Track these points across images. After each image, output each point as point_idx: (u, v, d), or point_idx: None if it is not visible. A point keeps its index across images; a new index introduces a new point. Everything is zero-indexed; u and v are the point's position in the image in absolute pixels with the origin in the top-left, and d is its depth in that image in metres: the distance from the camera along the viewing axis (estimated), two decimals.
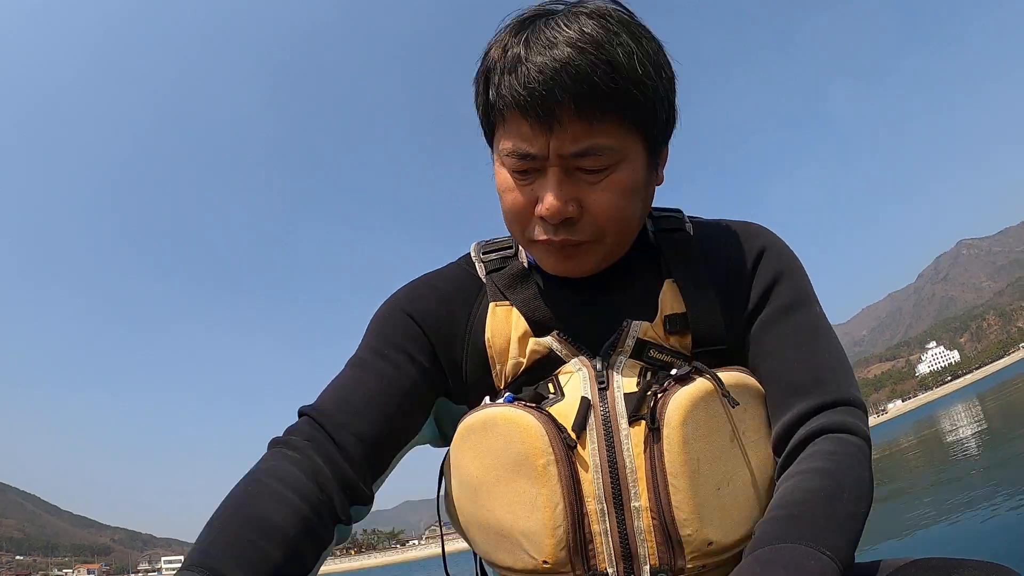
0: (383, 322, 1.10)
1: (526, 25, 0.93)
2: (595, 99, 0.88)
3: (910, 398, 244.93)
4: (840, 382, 0.97)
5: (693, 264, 1.05)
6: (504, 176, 1.00)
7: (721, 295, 1.04)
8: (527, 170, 0.96)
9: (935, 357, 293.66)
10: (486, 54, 0.98)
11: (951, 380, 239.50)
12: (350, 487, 0.95)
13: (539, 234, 0.98)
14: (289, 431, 0.99)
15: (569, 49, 0.87)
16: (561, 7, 0.95)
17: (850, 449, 0.89)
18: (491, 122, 1.01)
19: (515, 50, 0.91)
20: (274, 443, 0.97)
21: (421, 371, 1.05)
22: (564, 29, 0.89)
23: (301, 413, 1.01)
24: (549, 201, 0.93)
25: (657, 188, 1.06)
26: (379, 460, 1.00)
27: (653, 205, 1.10)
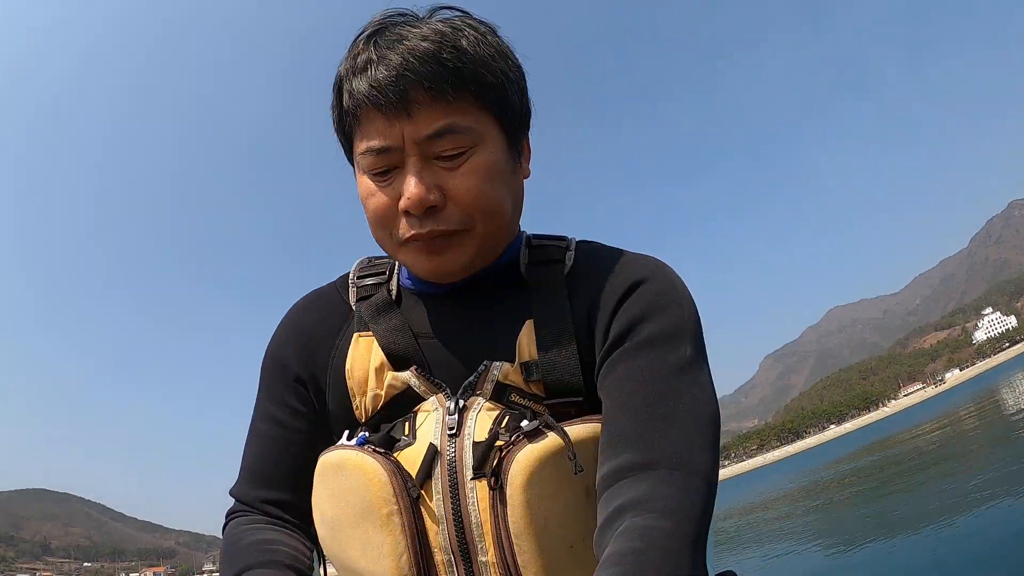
0: (265, 381, 1.12)
1: (373, 35, 0.94)
2: (446, 78, 0.89)
3: (968, 367, 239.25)
4: (672, 436, 0.86)
5: (556, 302, 1.00)
6: (364, 182, 0.98)
7: (583, 337, 0.99)
8: (386, 168, 0.95)
9: (992, 323, 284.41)
10: (336, 77, 0.98)
11: (1009, 346, 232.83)
12: (304, 533, 1.04)
13: (405, 231, 0.95)
14: (227, 513, 1.08)
15: (416, 40, 0.90)
16: (407, 17, 0.96)
17: (649, 546, 0.76)
18: (348, 132, 0.99)
19: (364, 55, 0.93)
20: (225, 523, 1.07)
21: (308, 420, 1.07)
22: (411, 29, 0.92)
23: (232, 494, 1.09)
24: (410, 190, 0.91)
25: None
26: (303, 513, 1.03)
27: (539, 235, 1.11)
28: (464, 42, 0.92)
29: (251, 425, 1.11)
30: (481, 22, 0.98)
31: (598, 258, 1.06)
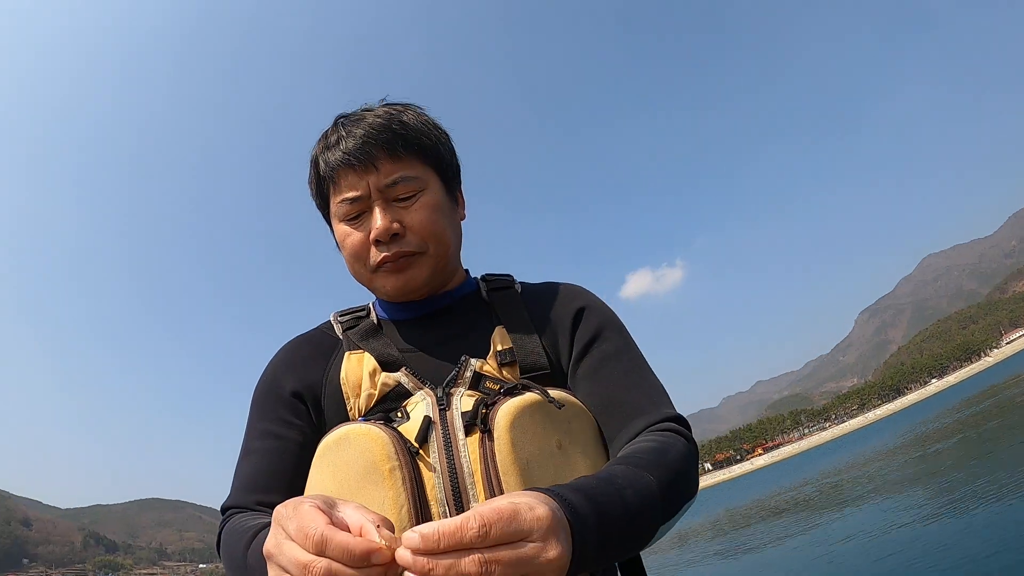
0: (259, 401, 1.27)
1: (336, 124, 1.29)
2: (396, 142, 1.22)
3: None
4: (668, 404, 1.18)
5: (519, 313, 1.28)
6: (341, 228, 1.26)
7: (544, 337, 1.26)
8: (357, 214, 1.24)
9: None
10: (311, 157, 1.31)
11: None
12: None
13: (376, 257, 1.23)
14: (220, 525, 1.13)
15: (373, 118, 1.24)
16: (362, 108, 1.31)
17: (676, 437, 1.09)
18: (325, 194, 1.30)
19: (334, 135, 1.26)
20: (219, 533, 1.12)
21: (302, 432, 1.20)
22: (366, 112, 1.27)
23: (223, 509, 1.15)
24: (378, 223, 1.20)
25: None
26: None
27: (490, 272, 1.42)
28: (406, 118, 1.25)
29: (242, 448, 1.23)
30: (415, 106, 1.33)
31: (538, 287, 1.38)
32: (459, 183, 1.39)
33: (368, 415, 1.16)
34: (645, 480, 0.92)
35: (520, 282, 1.39)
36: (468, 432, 1.05)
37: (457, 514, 0.97)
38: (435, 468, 1.03)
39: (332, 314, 1.38)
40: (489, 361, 1.19)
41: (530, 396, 1.08)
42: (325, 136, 1.29)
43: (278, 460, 1.17)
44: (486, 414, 1.06)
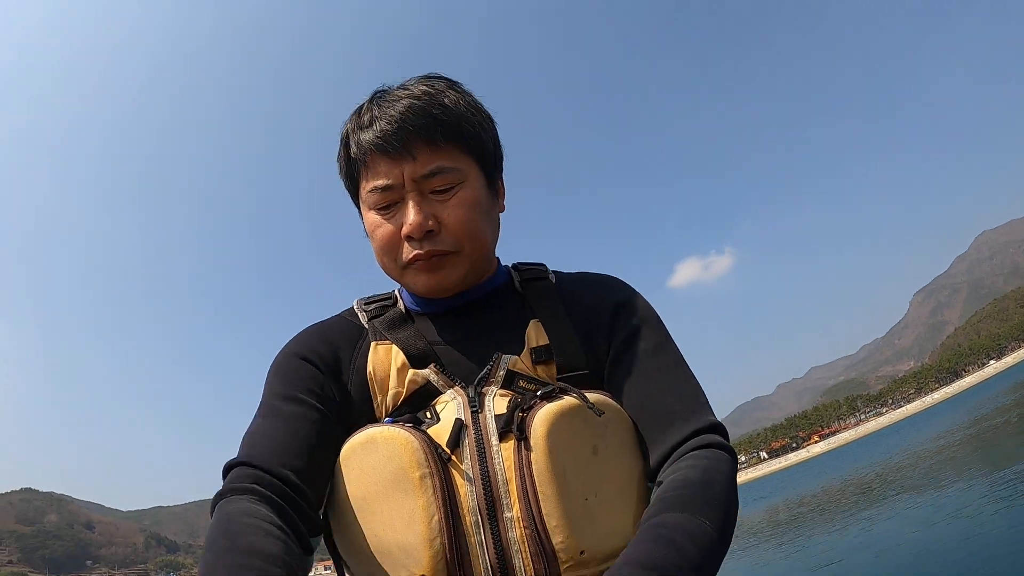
0: (281, 370, 1.17)
1: (372, 100, 1.18)
2: (436, 129, 1.11)
3: None
4: (707, 410, 1.11)
5: (555, 307, 1.20)
6: (371, 217, 1.17)
7: (580, 333, 1.18)
8: (388, 204, 1.14)
9: None
10: (342, 133, 1.21)
11: None
12: (305, 518, 1.00)
13: (408, 254, 1.14)
14: (228, 484, 0.99)
15: (411, 100, 1.13)
16: (397, 84, 1.20)
17: (719, 456, 1.02)
18: (355, 178, 1.20)
19: (368, 114, 1.16)
20: (219, 496, 0.98)
21: (327, 407, 1.12)
22: (404, 91, 1.16)
23: (230, 467, 1.02)
24: (411, 219, 1.11)
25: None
26: (321, 490, 1.06)
27: (522, 262, 1.34)
28: (447, 100, 1.14)
29: (261, 408, 1.13)
30: (457, 83, 1.21)
31: (573, 278, 1.30)
32: (501, 172, 1.29)
33: (395, 414, 1.11)
34: (703, 529, 0.89)
35: (553, 271, 1.32)
36: (503, 438, 1.02)
37: (490, 525, 0.97)
38: (468, 475, 1.00)
39: (356, 301, 1.30)
40: (523, 359, 1.13)
41: (569, 401, 1.04)
42: (358, 113, 1.19)
43: (301, 426, 1.07)
44: (522, 419, 1.02)
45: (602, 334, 1.19)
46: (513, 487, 0.99)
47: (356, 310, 1.27)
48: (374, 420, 1.11)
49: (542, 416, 1.01)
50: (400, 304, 1.26)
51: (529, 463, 0.99)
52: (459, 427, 1.02)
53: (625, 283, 1.29)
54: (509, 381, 1.10)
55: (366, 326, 1.22)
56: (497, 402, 1.06)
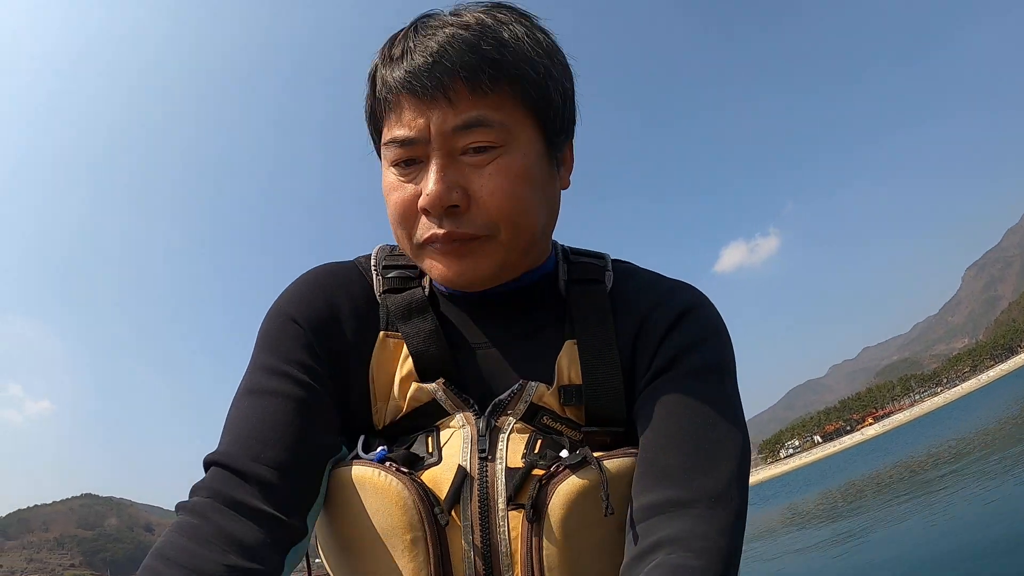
0: (271, 335, 0.94)
1: (412, 27, 0.90)
2: (483, 68, 0.83)
3: None
4: (714, 473, 0.83)
5: (601, 325, 0.96)
6: (388, 177, 0.92)
7: (627, 361, 0.95)
8: (410, 160, 0.88)
9: None
10: (373, 61, 0.93)
11: None
12: (275, 532, 0.80)
13: (424, 232, 0.89)
14: (194, 489, 0.83)
15: (455, 29, 0.85)
16: (451, 10, 0.91)
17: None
18: (379, 121, 0.93)
19: (402, 44, 0.88)
20: (179, 508, 0.82)
21: (324, 381, 0.92)
22: (453, 18, 0.88)
23: (207, 464, 0.85)
24: (429, 187, 0.85)
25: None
26: (307, 487, 0.85)
27: (578, 249, 1.07)
28: (506, 34, 0.87)
29: (243, 384, 0.92)
30: (529, 16, 0.93)
31: (638, 281, 1.02)
32: (570, 139, 1.00)
33: (392, 429, 0.94)
34: None
35: (614, 265, 1.05)
36: (513, 505, 0.85)
37: None
38: (466, 544, 0.84)
39: (375, 253, 1.04)
40: (551, 394, 0.92)
41: (595, 477, 0.84)
42: (391, 42, 0.91)
43: (293, 407, 0.87)
44: (540, 489, 0.84)
45: (649, 355, 0.94)
46: (517, 561, 0.84)
47: (373, 270, 1.01)
48: (370, 427, 0.95)
49: (564, 495, 0.83)
50: (426, 279, 1.02)
51: (540, 544, 0.83)
52: (461, 479, 0.85)
53: (697, 291, 1.01)
54: (531, 415, 0.91)
55: (379, 299, 0.99)
56: (512, 445, 0.88)
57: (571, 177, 1.00)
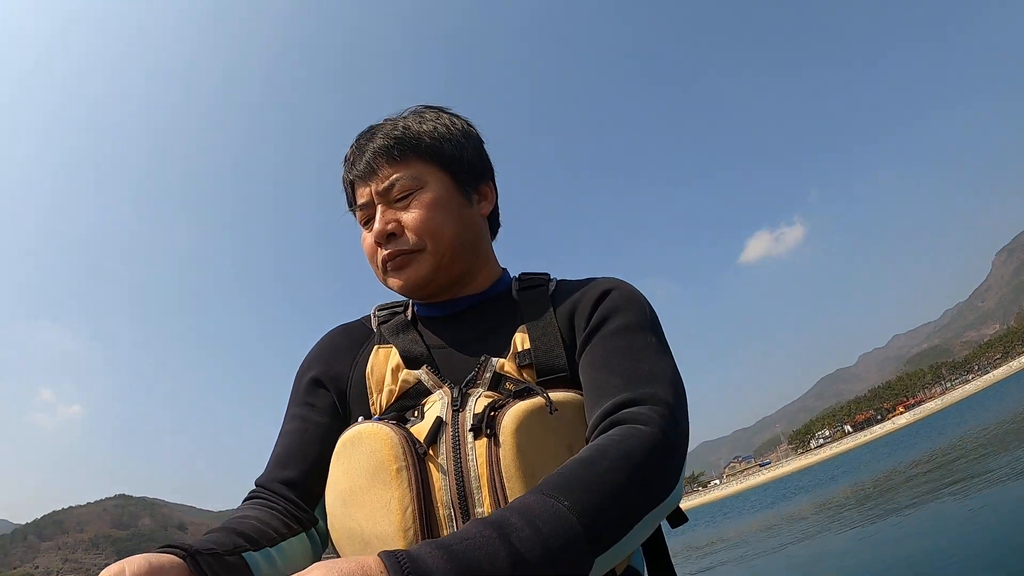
0: (293, 388, 1.33)
1: (357, 141, 1.33)
2: (394, 148, 1.25)
3: None
4: (651, 383, 1.05)
5: (543, 313, 1.25)
6: (362, 234, 1.32)
7: (567, 334, 1.22)
8: (368, 219, 1.29)
9: None
10: (342, 177, 1.37)
11: None
12: (301, 511, 1.16)
13: (380, 257, 1.27)
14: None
15: (381, 132, 1.29)
16: (389, 119, 1.34)
17: (632, 434, 0.94)
18: (350, 199, 1.35)
19: (351, 155, 1.33)
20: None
21: (326, 415, 1.25)
22: (380, 128, 1.31)
23: (255, 486, 1.22)
24: (376, 226, 1.25)
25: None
26: (310, 494, 1.19)
27: (527, 272, 1.40)
28: (411, 122, 1.30)
29: (283, 422, 1.30)
30: (445, 109, 1.36)
31: (573, 282, 1.33)
32: (480, 178, 1.37)
33: (387, 411, 1.19)
34: (553, 510, 0.79)
35: (559, 280, 1.37)
36: (476, 435, 1.05)
37: (462, 519, 1.01)
38: (443, 470, 1.04)
39: (374, 307, 1.41)
40: (509, 361, 1.18)
41: (538, 400, 1.07)
42: (347, 156, 1.35)
43: (301, 440, 1.23)
44: (493, 418, 1.06)
45: (581, 328, 1.22)
46: (484, 482, 1.02)
47: (372, 315, 1.38)
48: (368, 417, 1.17)
49: (511, 414, 1.05)
50: (409, 310, 1.37)
51: (498, 459, 1.02)
52: (438, 424, 1.08)
53: (619, 280, 1.30)
54: (496, 383, 1.15)
55: (374, 329, 1.34)
56: (479, 402, 1.10)
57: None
